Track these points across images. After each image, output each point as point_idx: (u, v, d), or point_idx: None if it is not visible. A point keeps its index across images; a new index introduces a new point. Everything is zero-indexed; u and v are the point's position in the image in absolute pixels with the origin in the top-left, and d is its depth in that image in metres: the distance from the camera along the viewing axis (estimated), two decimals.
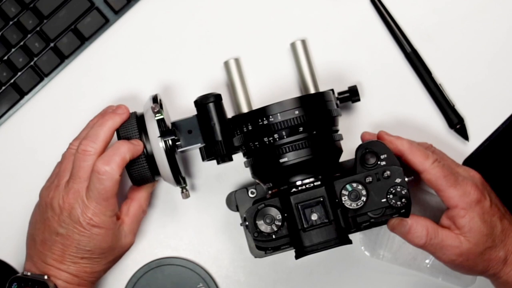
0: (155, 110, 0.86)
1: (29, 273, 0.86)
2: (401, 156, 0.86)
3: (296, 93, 0.96)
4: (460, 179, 0.85)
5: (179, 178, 0.88)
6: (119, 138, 0.87)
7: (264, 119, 0.83)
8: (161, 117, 0.86)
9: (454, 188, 0.85)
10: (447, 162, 0.87)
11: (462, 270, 0.88)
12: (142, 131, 0.87)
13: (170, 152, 0.86)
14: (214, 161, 0.88)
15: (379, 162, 0.84)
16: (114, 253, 0.88)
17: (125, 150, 0.85)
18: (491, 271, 0.86)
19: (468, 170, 0.88)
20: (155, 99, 0.87)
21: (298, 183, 0.84)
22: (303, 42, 0.94)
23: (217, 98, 0.88)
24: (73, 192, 0.85)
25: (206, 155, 0.88)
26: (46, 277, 0.85)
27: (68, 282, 0.86)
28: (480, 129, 0.96)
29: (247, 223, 0.84)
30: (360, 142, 0.86)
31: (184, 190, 0.90)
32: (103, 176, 0.83)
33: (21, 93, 0.96)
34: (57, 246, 0.86)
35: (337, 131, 0.87)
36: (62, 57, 0.96)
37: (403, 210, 0.84)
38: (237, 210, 0.90)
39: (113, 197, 0.85)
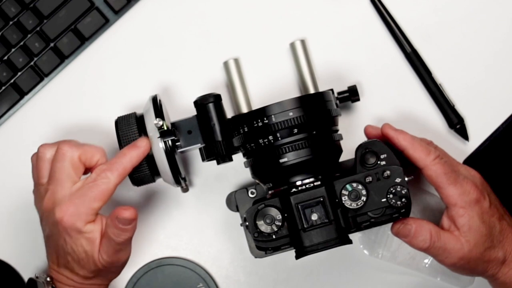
0: (158, 126, 0.85)
1: (37, 275, 0.85)
2: (403, 151, 0.86)
3: (296, 93, 0.96)
4: (461, 178, 0.85)
5: (179, 178, 0.88)
6: (118, 139, 0.87)
7: (264, 119, 0.83)
8: (165, 129, 0.86)
9: (454, 186, 0.85)
10: (448, 160, 0.87)
11: (462, 272, 0.88)
12: (142, 131, 0.87)
13: (170, 152, 0.86)
14: (214, 161, 0.88)
15: (379, 162, 0.84)
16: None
17: (127, 161, 0.84)
18: (490, 272, 0.86)
19: (469, 170, 0.88)
20: (154, 100, 0.87)
21: (298, 183, 0.84)
22: (303, 42, 0.94)
23: (216, 98, 0.88)
24: (51, 193, 0.83)
25: (206, 155, 0.88)
26: (48, 278, 0.84)
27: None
28: (480, 129, 0.96)
29: (247, 223, 0.83)
30: (360, 141, 0.86)
31: (184, 186, 0.90)
32: (102, 179, 0.82)
33: (21, 93, 0.96)
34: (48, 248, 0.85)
35: (337, 131, 0.87)
36: (62, 57, 0.96)
37: (403, 210, 0.84)
38: (237, 210, 0.90)
39: (100, 202, 0.82)
